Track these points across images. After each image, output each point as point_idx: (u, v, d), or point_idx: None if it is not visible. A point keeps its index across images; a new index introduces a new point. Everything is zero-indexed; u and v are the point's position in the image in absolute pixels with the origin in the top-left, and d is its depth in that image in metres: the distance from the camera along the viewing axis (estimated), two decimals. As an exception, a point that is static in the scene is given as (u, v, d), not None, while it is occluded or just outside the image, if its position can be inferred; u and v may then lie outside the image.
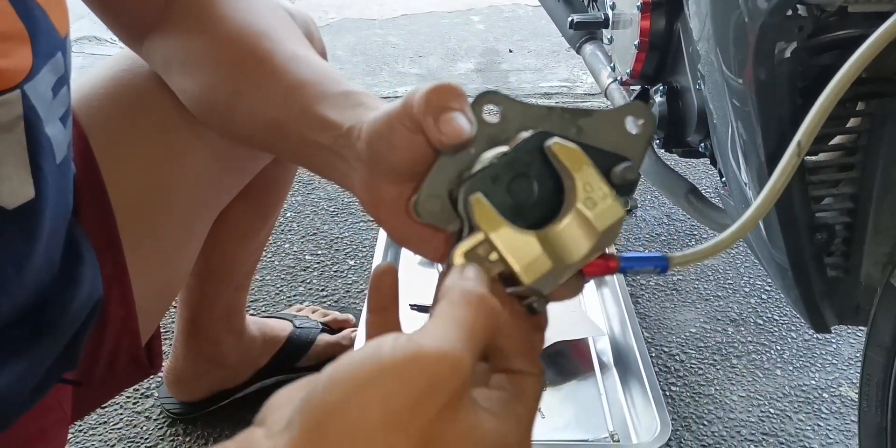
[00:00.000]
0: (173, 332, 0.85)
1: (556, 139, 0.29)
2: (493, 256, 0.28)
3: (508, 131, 0.30)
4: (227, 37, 0.42)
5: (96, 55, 1.83)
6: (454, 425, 0.21)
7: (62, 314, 0.44)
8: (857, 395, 0.81)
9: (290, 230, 1.22)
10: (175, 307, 0.83)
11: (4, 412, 0.41)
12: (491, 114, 0.30)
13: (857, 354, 0.98)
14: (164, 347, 0.86)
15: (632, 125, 0.31)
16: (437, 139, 0.30)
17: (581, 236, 0.28)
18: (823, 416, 0.89)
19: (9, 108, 0.35)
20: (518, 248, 0.28)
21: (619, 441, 0.81)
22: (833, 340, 1.00)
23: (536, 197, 0.29)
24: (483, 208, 0.28)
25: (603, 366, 0.92)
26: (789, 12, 0.50)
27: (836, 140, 0.60)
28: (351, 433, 0.19)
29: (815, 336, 1.01)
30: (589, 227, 0.28)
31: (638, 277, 1.11)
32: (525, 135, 0.30)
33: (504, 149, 0.30)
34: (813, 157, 0.61)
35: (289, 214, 1.26)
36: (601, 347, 0.94)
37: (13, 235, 0.38)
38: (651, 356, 0.94)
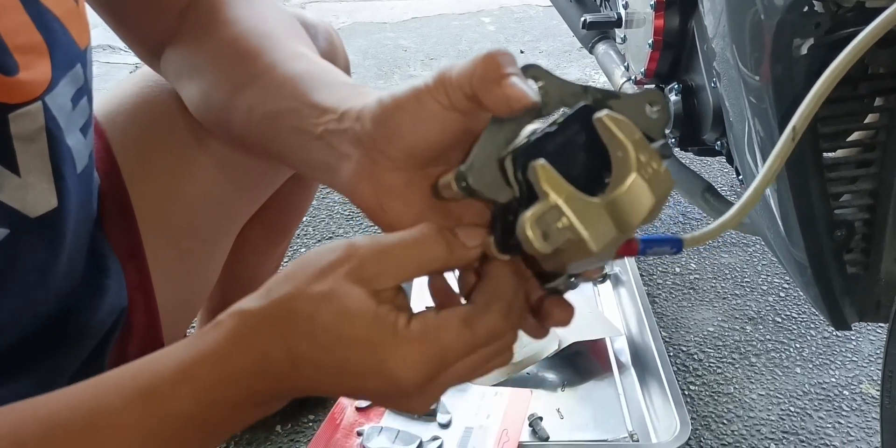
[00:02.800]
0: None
1: (606, 111, 0.29)
2: (562, 223, 0.27)
3: (549, 106, 0.30)
4: (231, 39, 0.43)
5: (111, 64, 1.85)
6: (354, 288, 0.29)
7: (86, 323, 0.44)
8: (878, 393, 0.80)
9: (305, 234, 1.23)
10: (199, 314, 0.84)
11: None
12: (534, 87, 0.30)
13: (878, 351, 0.97)
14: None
15: (650, 110, 0.31)
16: (503, 103, 0.29)
17: (639, 204, 0.28)
18: (844, 413, 0.89)
19: (31, 120, 0.36)
20: (586, 214, 0.28)
21: (638, 441, 0.81)
22: (853, 337, 1.00)
23: (581, 168, 0.29)
24: (549, 174, 0.28)
25: (621, 366, 0.91)
26: (806, 9, 0.50)
27: (855, 136, 0.60)
28: (309, 273, 0.30)
29: (834, 333, 1.00)
30: (645, 195, 0.28)
31: (654, 276, 1.11)
32: (566, 109, 0.30)
33: (545, 122, 0.30)
34: (831, 154, 0.61)
35: (304, 219, 1.26)
36: (619, 347, 0.94)
37: (36, 244, 0.39)
38: (669, 355, 0.94)
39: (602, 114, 0.29)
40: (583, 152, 0.29)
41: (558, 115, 0.30)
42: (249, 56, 0.41)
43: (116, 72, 1.82)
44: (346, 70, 0.63)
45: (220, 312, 0.92)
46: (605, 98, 0.31)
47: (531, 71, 0.30)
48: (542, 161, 0.28)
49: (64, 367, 0.44)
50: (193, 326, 0.87)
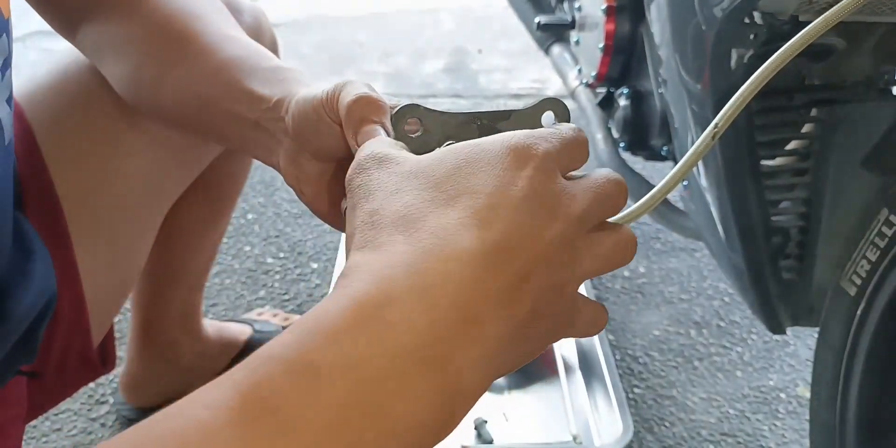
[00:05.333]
0: (128, 336, 0.83)
1: None
2: None
3: (431, 143, 0.31)
4: (158, 18, 0.43)
5: (51, 51, 1.78)
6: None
7: (15, 307, 0.43)
8: (812, 396, 0.84)
9: (251, 232, 1.20)
10: (130, 311, 0.81)
11: None
12: (414, 127, 0.31)
13: (814, 355, 1.00)
14: (119, 352, 0.84)
15: (549, 120, 0.31)
16: (356, 151, 0.30)
17: None
18: (780, 416, 0.91)
19: None
20: None
21: (581, 443, 0.81)
22: (791, 342, 1.02)
23: None
24: None
25: (568, 368, 0.92)
26: (744, 20, 0.51)
27: (791, 145, 0.61)
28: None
29: (774, 338, 1.02)
30: None
31: (603, 279, 1.12)
32: (446, 145, 0.30)
33: None
34: (769, 162, 0.62)
35: (250, 216, 1.23)
36: (566, 350, 0.94)
37: None
38: (615, 359, 0.95)
39: None
40: None
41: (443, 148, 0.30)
42: (180, 38, 0.41)
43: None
44: (273, 50, 0.63)
45: (151, 305, 0.91)
46: (493, 121, 0.31)
47: (409, 111, 0.31)
48: None
49: None
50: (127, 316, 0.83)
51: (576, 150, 0.28)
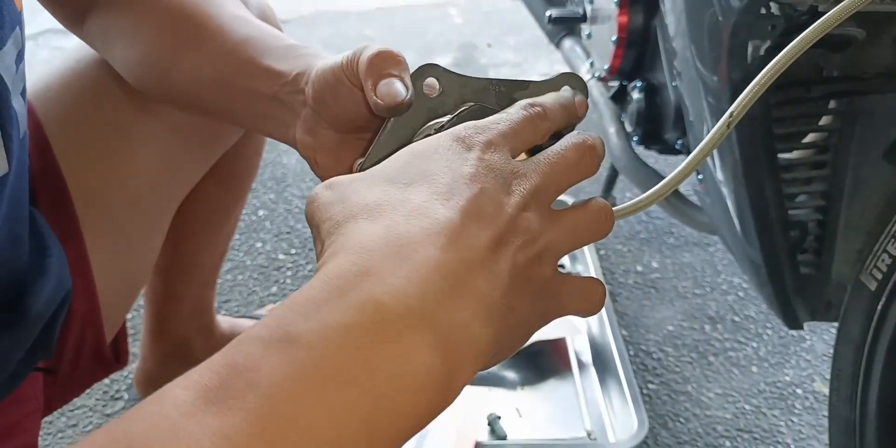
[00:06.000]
0: (141, 332, 0.84)
1: None
2: None
3: (447, 105, 0.31)
4: (167, 3, 0.43)
5: (63, 49, 1.79)
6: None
7: (34, 304, 0.43)
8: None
9: (262, 229, 1.20)
10: (143, 307, 0.81)
11: None
12: (432, 87, 0.31)
13: (831, 350, 0.99)
14: (133, 349, 0.84)
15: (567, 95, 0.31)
16: (373, 102, 0.31)
17: None
18: (797, 411, 0.90)
19: None
20: None
21: (596, 439, 0.81)
22: (807, 337, 1.01)
23: None
24: None
25: (581, 365, 0.91)
26: (761, 10, 0.50)
27: (809, 138, 0.60)
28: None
29: (790, 333, 1.01)
30: None
31: (616, 274, 1.11)
32: (463, 108, 0.30)
33: (443, 120, 0.30)
34: (787, 155, 0.61)
35: (261, 213, 1.23)
36: (579, 346, 0.94)
37: None
38: (629, 354, 0.94)
39: None
40: None
41: (460, 111, 0.30)
42: (192, 20, 0.42)
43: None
44: None
45: (164, 301, 0.91)
46: (511, 90, 0.31)
47: (429, 70, 0.31)
48: None
49: (16, 346, 0.43)
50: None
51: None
